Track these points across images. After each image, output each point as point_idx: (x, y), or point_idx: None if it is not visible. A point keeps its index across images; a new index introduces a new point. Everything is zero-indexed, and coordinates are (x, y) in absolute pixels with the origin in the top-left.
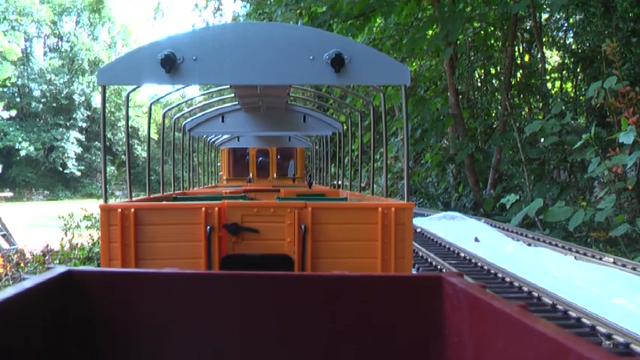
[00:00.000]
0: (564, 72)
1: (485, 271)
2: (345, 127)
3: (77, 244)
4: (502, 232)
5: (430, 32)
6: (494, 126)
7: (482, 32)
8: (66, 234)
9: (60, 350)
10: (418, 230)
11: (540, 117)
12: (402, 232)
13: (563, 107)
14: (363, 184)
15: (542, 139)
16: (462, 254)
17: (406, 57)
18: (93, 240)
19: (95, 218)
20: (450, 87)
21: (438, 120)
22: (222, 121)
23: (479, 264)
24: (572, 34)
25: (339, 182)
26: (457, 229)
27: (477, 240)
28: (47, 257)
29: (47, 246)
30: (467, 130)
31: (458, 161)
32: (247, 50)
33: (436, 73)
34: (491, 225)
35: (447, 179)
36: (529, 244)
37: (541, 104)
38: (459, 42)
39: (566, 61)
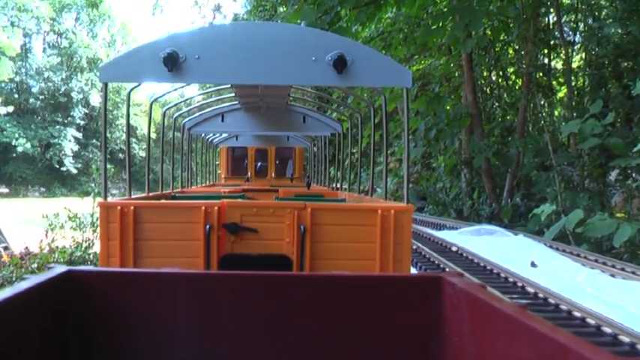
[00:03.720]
0: (575, 73)
1: (579, 321)
2: (345, 129)
3: (57, 247)
4: (556, 252)
5: (444, 24)
6: (509, 127)
7: (499, 27)
8: (46, 235)
9: (60, 350)
10: (454, 249)
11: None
12: (401, 235)
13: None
14: (366, 189)
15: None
16: (528, 288)
17: (415, 54)
18: (77, 242)
19: (79, 219)
20: (467, 84)
21: (454, 119)
22: (222, 120)
23: (562, 306)
24: (579, 35)
25: (339, 185)
26: (503, 249)
27: (533, 265)
28: (25, 261)
29: (26, 248)
30: (484, 132)
31: (476, 165)
32: (250, 50)
33: (447, 71)
34: (539, 242)
35: (459, 185)
36: (603, 271)
37: (553, 104)
38: (478, 33)
39: (607, 54)
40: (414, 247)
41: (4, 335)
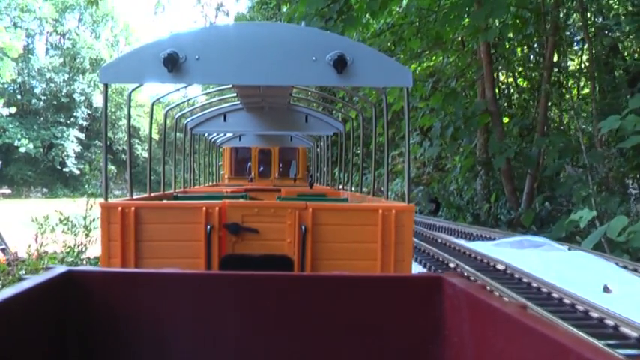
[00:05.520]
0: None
1: None
2: (348, 129)
3: (46, 252)
4: (626, 271)
5: (461, 14)
6: (528, 126)
7: (514, 24)
8: (36, 240)
9: (60, 350)
10: (501, 267)
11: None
12: (402, 235)
13: None
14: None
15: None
16: (625, 328)
17: (427, 49)
18: (69, 247)
19: (72, 222)
20: (486, 79)
21: (472, 117)
22: (224, 120)
23: None
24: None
25: (343, 187)
26: (560, 266)
27: (607, 289)
28: (12, 267)
29: (15, 253)
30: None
31: (497, 166)
32: (250, 50)
33: (463, 65)
34: (597, 256)
35: (474, 187)
36: None
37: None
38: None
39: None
40: (453, 265)
41: (5, 335)
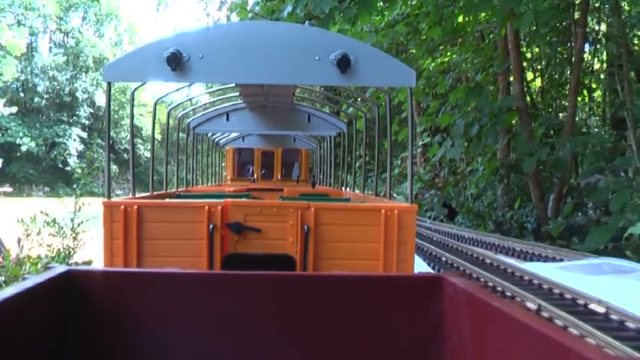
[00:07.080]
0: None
1: None
2: (350, 131)
3: (29, 256)
4: None
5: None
6: (556, 126)
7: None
8: (18, 244)
9: (60, 350)
10: (600, 310)
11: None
12: (405, 235)
13: None
14: (381, 193)
15: None
16: None
17: (441, 43)
18: (56, 250)
19: (59, 224)
20: (514, 73)
21: (498, 114)
22: (227, 119)
23: None
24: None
25: (345, 187)
26: None
27: None
28: None
29: None
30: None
31: (527, 169)
32: (254, 49)
33: (476, 64)
34: None
35: (494, 192)
36: None
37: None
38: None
39: None
40: (533, 306)
41: (4, 335)
